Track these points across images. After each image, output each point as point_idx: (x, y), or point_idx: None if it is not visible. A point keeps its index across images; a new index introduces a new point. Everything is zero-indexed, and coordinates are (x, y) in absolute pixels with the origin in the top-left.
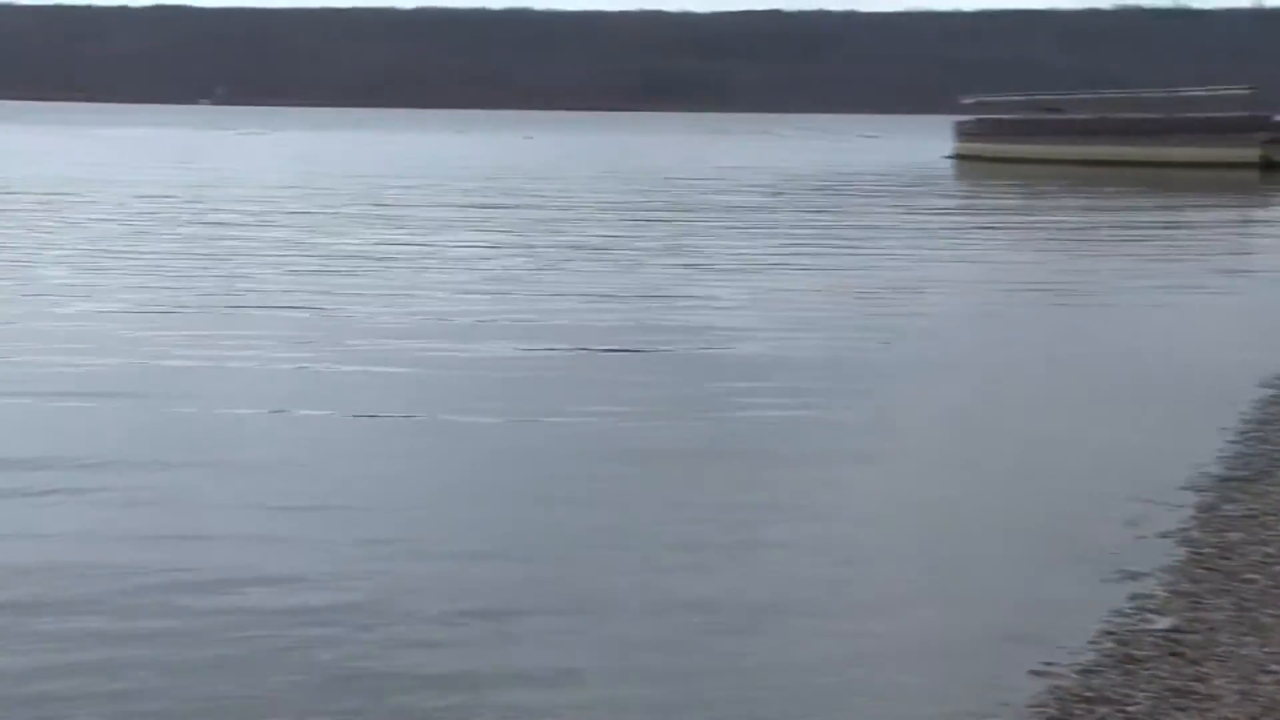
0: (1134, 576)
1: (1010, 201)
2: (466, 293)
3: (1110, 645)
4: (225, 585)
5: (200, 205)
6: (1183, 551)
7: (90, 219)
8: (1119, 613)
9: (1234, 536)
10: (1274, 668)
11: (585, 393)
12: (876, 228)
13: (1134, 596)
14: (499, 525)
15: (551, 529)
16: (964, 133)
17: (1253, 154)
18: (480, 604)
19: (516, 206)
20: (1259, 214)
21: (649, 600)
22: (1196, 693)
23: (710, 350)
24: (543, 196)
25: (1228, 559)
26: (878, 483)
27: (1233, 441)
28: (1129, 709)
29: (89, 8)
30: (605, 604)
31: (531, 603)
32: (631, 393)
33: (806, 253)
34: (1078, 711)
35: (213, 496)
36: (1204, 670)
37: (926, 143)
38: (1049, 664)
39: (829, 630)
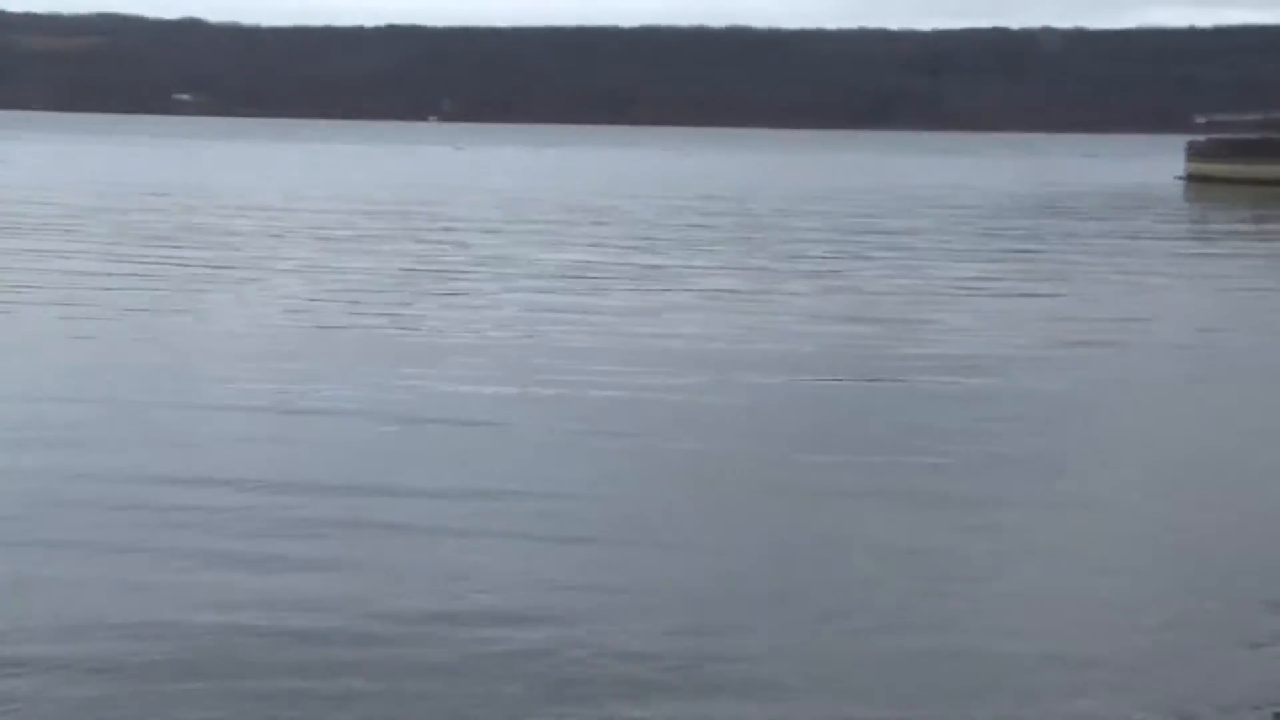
0: None
1: (1247, 226)
2: (684, 309)
3: None
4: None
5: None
6: None
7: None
8: None
9: None
10: None
11: (817, 430)
12: (1104, 251)
13: None
14: (737, 559)
15: (785, 559)
16: (1197, 153)
17: None
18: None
19: (734, 226)
20: None
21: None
22: None
23: (938, 382)
24: (757, 215)
25: None
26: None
27: None
28: None
29: (327, 29)
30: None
31: (755, 627)
32: (857, 429)
33: (1032, 277)
34: None
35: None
36: None
37: (1154, 163)
38: None
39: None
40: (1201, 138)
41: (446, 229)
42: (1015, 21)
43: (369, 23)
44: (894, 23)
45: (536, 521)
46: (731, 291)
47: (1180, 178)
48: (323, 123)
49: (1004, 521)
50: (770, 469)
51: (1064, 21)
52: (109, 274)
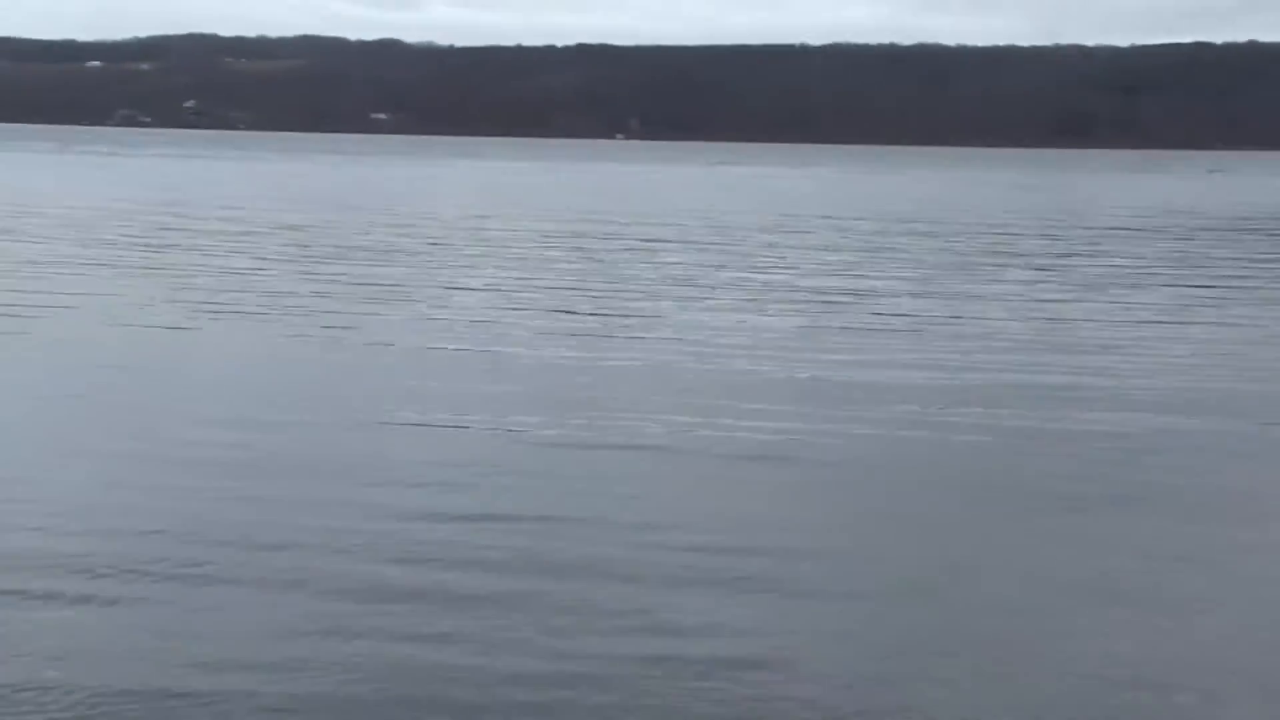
0: None
1: None
2: (873, 330)
3: None
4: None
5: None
6: None
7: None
8: None
9: None
10: None
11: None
12: None
13: None
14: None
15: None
16: None
17: None
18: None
19: (922, 246)
20: None
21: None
22: None
23: (1131, 431)
24: (943, 238)
25: None
26: None
27: None
28: None
29: (519, 48)
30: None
31: (944, 653)
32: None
33: (1240, 302)
34: None
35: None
36: None
37: None
38: None
39: None
40: None
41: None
42: (1219, 36)
43: (560, 42)
44: (1089, 39)
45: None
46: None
47: None
48: (512, 140)
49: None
50: (979, 517)
51: (1273, 35)
52: (302, 289)
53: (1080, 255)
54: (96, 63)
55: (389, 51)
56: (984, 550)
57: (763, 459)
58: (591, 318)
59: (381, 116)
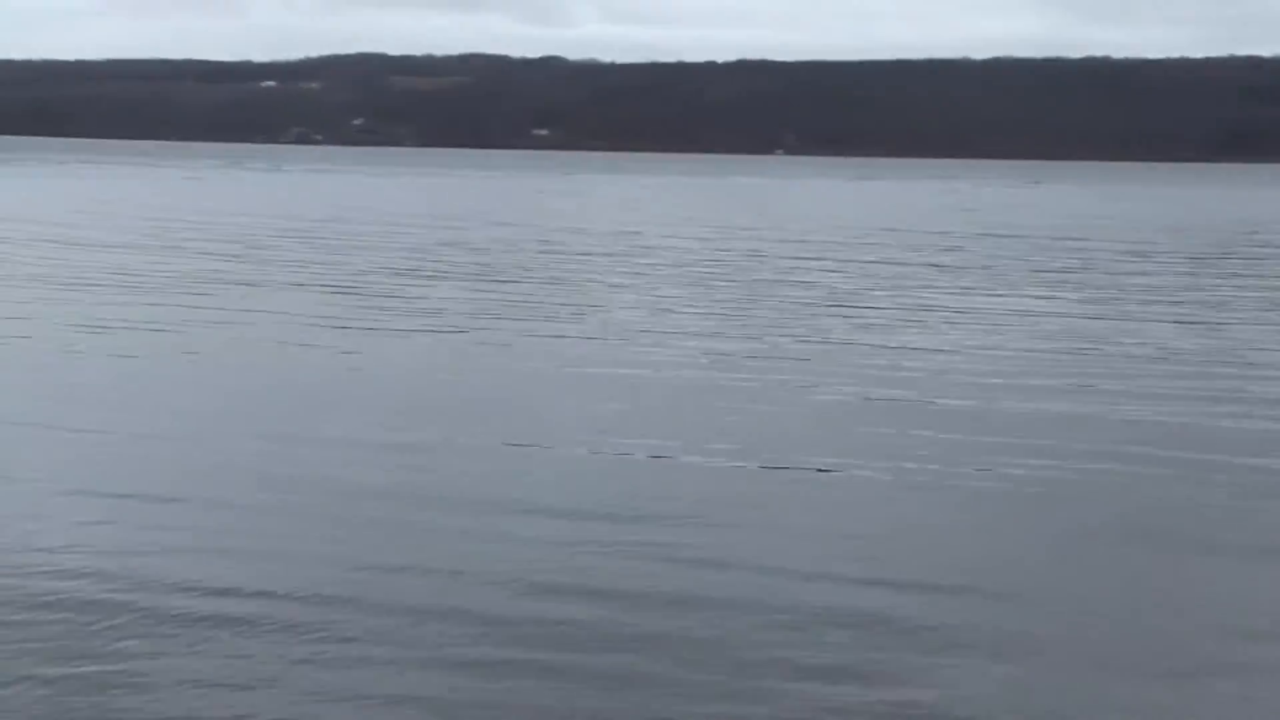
0: None
1: None
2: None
3: None
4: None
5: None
6: None
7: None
8: None
9: None
10: None
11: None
12: None
13: None
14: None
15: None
16: None
17: None
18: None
19: (1082, 262)
20: None
21: None
22: None
23: None
24: (1108, 255)
25: None
26: None
27: None
28: None
29: (679, 64)
30: None
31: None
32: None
33: None
34: None
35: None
36: None
37: None
38: None
39: None
40: None
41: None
42: None
43: (720, 58)
44: (1265, 49)
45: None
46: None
47: None
48: (671, 156)
49: None
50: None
51: None
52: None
53: (1249, 275)
54: (271, 83)
55: (550, 68)
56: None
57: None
58: (796, 344)
59: (543, 132)
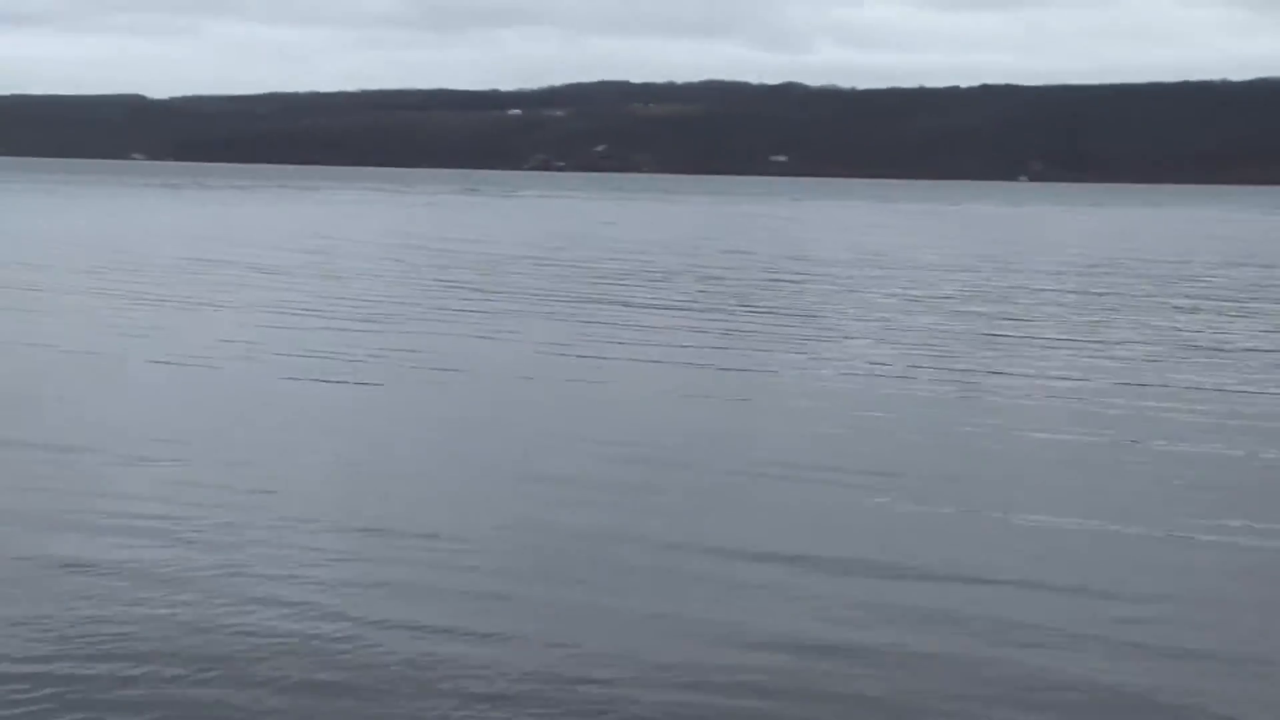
0: None
1: None
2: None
3: None
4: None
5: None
6: None
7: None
8: None
9: None
10: None
11: None
12: None
13: None
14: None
15: None
16: None
17: None
18: None
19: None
20: None
21: None
22: None
23: None
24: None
25: None
26: None
27: None
28: None
29: (920, 89)
30: None
31: None
32: None
33: None
34: None
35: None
36: None
37: None
38: None
39: None
40: None
41: None
42: None
43: (963, 83)
44: None
45: None
46: None
47: None
48: (910, 182)
49: None
50: None
51: None
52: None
53: None
54: (516, 111)
55: (788, 94)
56: None
57: None
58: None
59: (781, 159)
